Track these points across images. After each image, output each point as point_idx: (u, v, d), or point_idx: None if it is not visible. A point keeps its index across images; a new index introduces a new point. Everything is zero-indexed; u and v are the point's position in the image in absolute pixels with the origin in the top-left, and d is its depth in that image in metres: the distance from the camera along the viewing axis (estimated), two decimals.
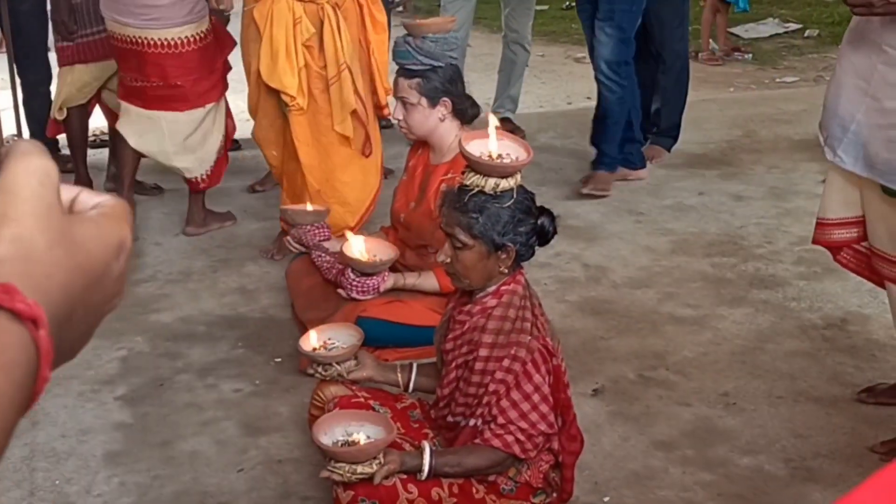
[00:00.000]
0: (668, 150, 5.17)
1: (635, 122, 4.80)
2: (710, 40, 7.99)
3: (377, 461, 2.08)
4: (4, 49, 5.30)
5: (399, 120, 3.19)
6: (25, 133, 5.20)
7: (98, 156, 5.12)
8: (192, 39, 3.94)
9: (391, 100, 3.47)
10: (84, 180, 4.62)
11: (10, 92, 5.14)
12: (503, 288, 2.22)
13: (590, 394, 3.00)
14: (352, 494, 2.09)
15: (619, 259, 3.98)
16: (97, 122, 4.97)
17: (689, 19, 5.34)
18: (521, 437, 2.14)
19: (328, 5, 3.64)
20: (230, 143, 4.41)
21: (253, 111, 3.96)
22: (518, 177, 2.16)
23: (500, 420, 2.14)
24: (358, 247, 3.15)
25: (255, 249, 4.12)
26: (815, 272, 3.78)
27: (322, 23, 3.64)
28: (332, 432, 2.18)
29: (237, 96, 4.44)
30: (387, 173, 4.30)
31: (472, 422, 2.20)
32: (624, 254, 4.03)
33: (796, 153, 5.21)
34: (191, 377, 3.17)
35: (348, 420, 2.21)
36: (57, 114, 4.51)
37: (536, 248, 2.26)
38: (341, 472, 2.08)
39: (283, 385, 3.10)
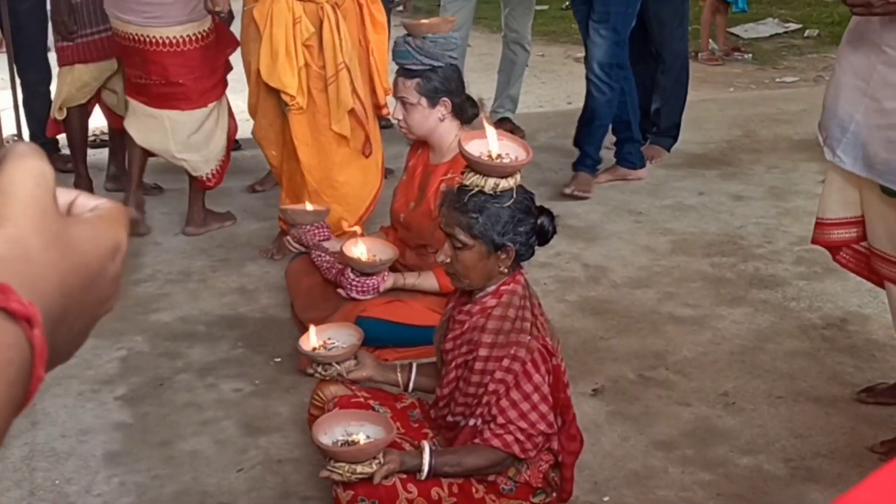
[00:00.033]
0: (668, 150, 5.17)
1: (634, 122, 4.80)
2: (710, 40, 8.00)
3: (377, 461, 2.09)
4: (4, 49, 5.30)
5: (399, 120, 3.19)
6: (25, 133, 5.21)
7: (98, 156, 5.12)
8: (194, 38, 3.95)
9: (391, 100, 3.47)
10: (84, 180, 4.63)
11: (10, 92, 5.14)
12: (503, 288, 2.22)
13: (589, 393, 3.00)
14: (351, 494, 2.09)
15: (618, 259, 3.99)
16: (97, 122, 4.96)
17: (688, 19, 5.34)
18: (521, 437, 2.14)
19: (328, 5, 3.64)
20: (232, 144, 4.42)
21: (253, 111, 3.96)
22: (518, 177, 2.16)
23: (500, 420, 2.14)
24: (357, 247, 3.15)
25: (255, 249, 4.12)
26: (815, 272, 3.78)
27: (321, 22, 3.64)
28: (331, 432, 2.18)
29: (237, 96, 4.44)
30: (386, 173, 4.30)
31: (471, 421, 2.20)
32: (624, 254, 4.04)
33: (796, 153, 5.22)
34: (190, 377, 3.17)
35: (348, 420, 2.21)
36: (57, 114, 4.51)
37: (536, 247, 2.26)
38: (341, 471, 2.08)
39: (282, 385, 3.10)
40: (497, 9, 6.04)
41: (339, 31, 3.63)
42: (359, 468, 2.07)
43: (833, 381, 3.05)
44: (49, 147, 5.17)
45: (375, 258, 3.15)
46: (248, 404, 3.00)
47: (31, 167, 0.53)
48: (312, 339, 2.47)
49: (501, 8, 5.60)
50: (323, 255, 3.35)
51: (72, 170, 4.69)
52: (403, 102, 3.13)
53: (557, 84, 7.40)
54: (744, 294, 3.65)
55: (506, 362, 2.14)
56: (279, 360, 3.25)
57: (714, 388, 3.02)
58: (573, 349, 3.20)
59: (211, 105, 4.08)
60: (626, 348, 3.27)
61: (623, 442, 2.76)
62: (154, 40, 3.91)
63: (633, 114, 4.79)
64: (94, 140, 5.24)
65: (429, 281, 3.16)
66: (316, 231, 3.38)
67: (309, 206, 3.46)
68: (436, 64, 3.09)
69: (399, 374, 2.47)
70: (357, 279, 3.11)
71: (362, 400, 2.36)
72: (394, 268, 3.21)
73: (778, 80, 7.45)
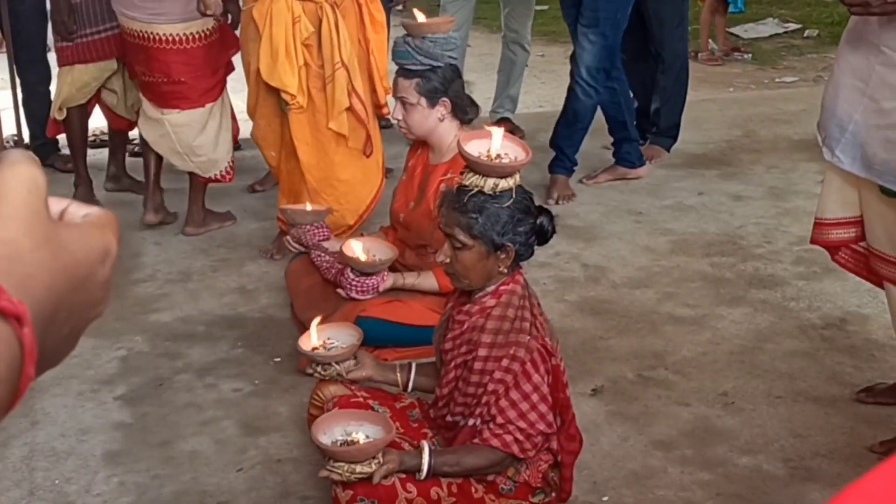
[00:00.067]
0: (668, 150, 5.18)
1: (629, 121, 4.80)
2: (710, 40, 8.00)
3: (376, 461, 2.09)
4: (4, 49, 5.30)
5: (398, 120, 3.19)
6: (25, 133, 5.21)
7: (98, 156, 5.12)
8: (197, 36, 3.96)
9: (391, 99, 3.47)
10: (84, 180, 4.63)
11: (10, 92, 5.14)
12: (502, 288, 2.22)
13: (589, 393, 3.00)
14: (351, 494, 2.09)
15: (618, 259, 3.99)
16: (97, 122, 4.97)
17: (688, 19, 5.34)
18: (520, 437, 2.14)
19: (327, 4, 3.64)
20: (234, 143, 4.43)
21: (251, 111, 3.96)
22: (517, 177, 2.17)
23: (499, 420, 2.14)
24: (357, 246, 3.15)
25: (255, 249, 4.12)
26: (815, 272, 3.78)
27: (321, 22, 3.64)
28: (331, 432, 2.18)
29: (237, 96, 4.44)
30: (386, 173, 4.31)
31: (470, 421, 2.20)
32: (623, 254, 4.04)
33: (795, 153, 5.22)
34: (190, 377, 3.17)
35: (347, 419, 2.21)
36: (57, 114, 4.52)
37: (536, 247, 2.26)
38: (340, 471, 2.08)
39: (282, 385, 3.10)
40: (497, 9, 6.04)
41: (339, 31, 3.64)
42: (358, 468, 2.07)
43: (832, 381, 3.05)
44: (49, 147, 5.19)
45: (375, 258, 3.15)
46: (247, 404, 3.00)
47: (24, 173, 0.55)
48: (312, 339, 2.47)
49: (501, 8, 5.60)
50: (322, 254, 3.35)
51: (72, 170, 4.70)
52: (403, 102, 3.13)
53: (557, 84, 7.39)
54: (743, 294, 3.65)
55: (505, 362, 2.14)
56: (279, 359, 3.25)
57: (713, 388, 3.02)
58: (572, 349, 3.21)
59: (209, 105, 4.08)
60: (626, 348, 3.27)
61: (622, 442, 2.76)
62: (157, 37, 3.92)
63: (628, 113, 4.79)
64: (94, 140, 5.24)
65: (428, 281, 3.16)
66: (315, 231, 3.39)
67: (308, 207, 3.46)
68: (435, 64, 3.09)
69: (398, 374, 2.48)
70: (357, 279, 3.11)
71: (362, 400, 2.36)
72: (393, 268, 3.21)
73: (777, 80, 7.45)
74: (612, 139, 4.91)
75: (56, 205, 0.60)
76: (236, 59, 4.13)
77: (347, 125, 3.74)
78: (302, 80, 3.67)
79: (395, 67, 3.18)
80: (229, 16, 4.22)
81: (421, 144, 3.28)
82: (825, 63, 7.56)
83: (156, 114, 4.09)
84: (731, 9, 7.99)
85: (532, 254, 2.26)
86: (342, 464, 2.08)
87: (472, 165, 2.15)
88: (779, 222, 4.31)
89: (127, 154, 4.92)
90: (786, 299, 3.60)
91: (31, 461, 2.73)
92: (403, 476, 2.13)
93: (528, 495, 2.25)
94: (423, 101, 3.09)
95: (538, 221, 2.21)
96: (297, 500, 2.54)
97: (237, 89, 4.42)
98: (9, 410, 0.51)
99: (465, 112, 3.15)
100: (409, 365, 2.52)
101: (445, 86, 3.09)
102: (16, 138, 5.21)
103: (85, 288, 0.57)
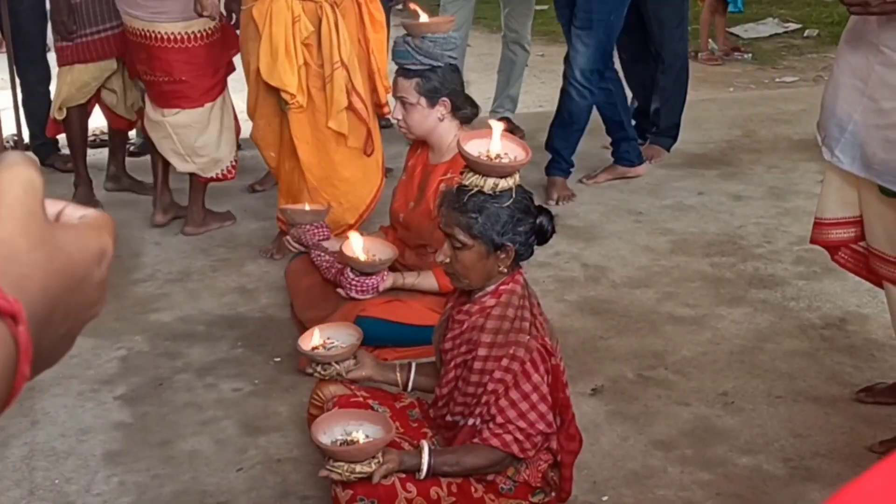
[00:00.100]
0: (668, 150, 5.18)
1: (626, 120, 4.81)
2: (710, 40, 8.00)
3: (376, 460, 2.09)
4: (4, 49, 5.30)
5: (398, 119, 3.19)
6: (25, 133, 5.21)
7: (98, 156, 5.12)
8: (199, 35, 3.96)
9: (391, 98, 3.47)
10: (84, 180, 4.63)
11: (10, 92, 5.14)
12: (502, 287, 2.22)
13: (589, 393, 3.00)
14: (350, 493, 2.09)
15: (618, 259, 3.99)
16: (97, 122, 4.97)
17: (688, 19, 5.34)
18: (520, 437, 2.14)
19: (326, 4, 3.64)
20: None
21: (251, 112, 3.96)
22: (517, 176, 2.17)
23: (499, 419, 2.14)
24: (357, 246, 3.15)
25: (255, 249, 4.13)
26: (815, 272, 3.78)
27: (320, 21, 3.65)
28: (331, 431, 2.18)
29: (237, 96, 4.44)
30: (386, 172, 4.31)
31: (470, 421, 2.21)
32: (623, 253, 4.04)
33: (796, 153, 5.22)
34: (190, 377, 3.17)
35: (347, 419, 2.22)
36: (56, 114, 4.52)
37: (535, 247, 2.26)
38: (340, 471, 2.08)
39: (282, 384, 3.10)
40: (497, 9, 6.04)
41: (338, 30, 3.64)
42: (358, 467, 2.07)
43: (832, 380, 3.05)
44: (49, 147, 5.19)
45: (375, 258, 3.15)
46: (247, 404, 3.00)
47: (21, 174, 0.55)
48: (312, 339, 2.48)
49: (501, 8, 5.60)
50: (322, 254, 3.35)
51: (72, 170, 4.70)
52: (403, 102, 3.13)
53: (557, 84, 7.32)
54: (743, 294, 3.65)
55: (505, 362, 2.14)
56: (279, 359, 3.25)
57: (713, 388, 3.02)
58: (572, 349, 3.21)
59: (209, 105, 4.09)
60: (626, 348, 3.27)
61: (622, 442, 2.76)
62: (159, 36, 3.93)
63: (624, 113, 4.79)
64: (94, 140, 5.25)
65: (428, 281, 3.16)
66: (315, 231, 3.39)
67: (308, 206, 3.46)
68: (435, 64, 3.09)
69: (398, 374, 2.48)
70: (356, 279, 3.11)
71: (361, 399, 2.36)
72: (393, 267, 3.21)
73: (777, 80, 7.45)
74: (610, 139, 4.91)
75: (52, 207, 0.61)
76: (237, 59, 4.13)
77: (347, 124, 3.74)
78: (302, 79, 3.68)
79: (395, 67, 3.19)
80: (233, 15, 4.22)
81: (421, 144, 3.28)
82: (825, 63, 7.56)
83: (157, 115, 4.10)
84: (730, 9, 7.99)
85: (532, 253, 2.26)
86: (342, 463, 2.08)
87: (472, 165, 2.15)
88: (779, 222, 4.31)
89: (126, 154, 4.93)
90: (786, 299, 3.60)
91: (31, 461, 2.73)
92: (403, 476, 2.13)
93: (527, 495, 2.25)
94: (423, 100, 3.09)
95: (538, 221, 2.21)
96: (297, 500, 2.54)
97: (237, 89, 4.42)
98: (4, 408, 0.51)
99: (464, 112, 3.15)
100: (409, 365, 2.52)
101: (445, 85, 3.09)
102: (16, 138, 5.21)
103: (81, 288, 0.58)
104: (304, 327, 2.88)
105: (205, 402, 3.02)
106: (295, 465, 2.69)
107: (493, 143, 2.16)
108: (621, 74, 5.36)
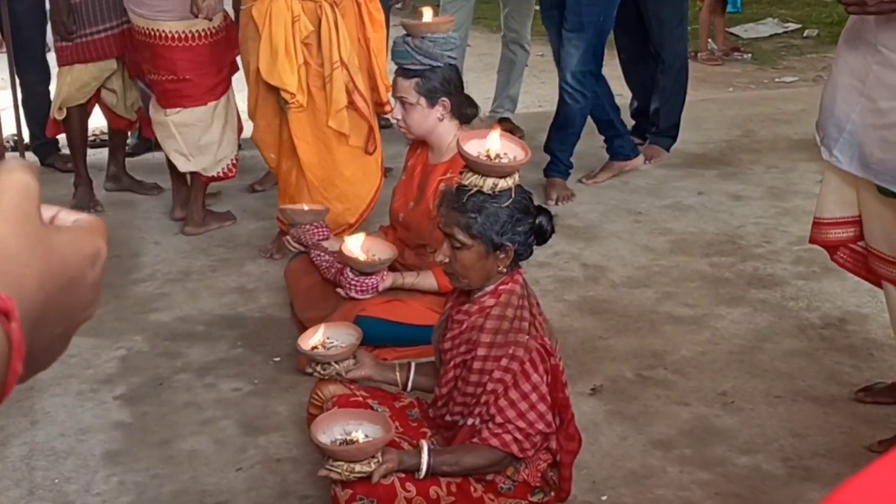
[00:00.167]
0: (667, 150, 5.18)
1: (615, 117, 4.82)
2: (710, 40, 8.00)
3: (375, 460, 2.09)
4: (4, 49, 5.30)
5: (398, 119, 3.19)
6: (25, 133, 5.21)
7: (98, 156, 5.12)
8: (203, 33, 3.97)
9: (392, 98, 3.47)
10: (84, 180, 4.63)
11: (9, 92, 5.14)
12: (501, 287, 2.22)
13: (588, 393, 3.00)
14: (350, 493, 2.09)
15: (617, 259, 3.99)
16: (97, 121, 4.97)
17: (688, 19, 5.34)
18: (519, 437, 2.14)
19: (326, 3, 3.64)
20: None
21: (251, 113, 3.97)
22: (516, 176, 2.17)
23: (498, 419, 2.14)
24: (356, 246, 3.15)
25: (255, 249, 4.13)
26: (814, 272, 3.78)
27: (320, 21, 3.65)
28: (330, 431, 2.18)
29: (238, 96, 4.44)
30: (386, 172, 4.31)
31: (470, 421, 2.21)
32: (622, 253, 4.04)
33: (795, 153, 5.22)
34: (190, 376, 3.17)
35: (347, 419, 2.22)
36: (56, 114, 4.52)
37: (535, 247, 2.26)
38: (339, 470, 2.08)
39: (281, 384, 3.10)
40: (496, 9, 6.04)
41: (338, 30, 3.64)
42: (357, 467, 2.08)
43: (831, 380, 3.06)
44: (49, 147, 5.19)
45: (374, 257, 3.15)
46: (247, 404, 3.01)
47: (18, 179, 0.57)
48: (312, 339, 2.48)
49: (501, 8, 5.60)
50: (322, 254, 3.35)
51: (72, 170, 4.70)
52: (402, 102, 3.13)
53: (556, 84, 7.39)
54: (742, 294, 3.65)
55: (504, 362, 2.14)
56: (278, 359, 3.25)
57: (712, 388, 3.02)
58: (572, 349, 3.21)
59: (212, 104, 4.09)
60: (625, 348, 3.27)
61: (621, 441, 2.76)
62: (163, 34, 3.93)
63: (612, 110, 4.81)
64: (94, 140, 5.25)
65: (428, 280, 3.16)
66: (315, 230, 3.39)
67: (307, 206, 3.46)
68: (435, 64, 3.09)
69: (398, 374, 2.48)
70: (356, 278, 3.11)
71: (361, 399, 2.36)
72: (393, 267, 3.21)
73: (777, 80, 7.45)
74: (603, 138, 4.92)
75: (46, 212, 0.62)
76: (239, 59, 4.14)
77: (348, 123, 3.74)
78: (301, 78, 3.68)
79: (395, 67, 3.19)
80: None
81: (420, 144, 3.28)
82: (825, 63, 7.56)
83: (160, 116, 4.11)
84: (728, 9, 7.99)
85: (531, 253, 2.26)
86: (341, 463, 2.09)
87: (472, 165, 2.15)
88: (778, 222, 4.31)
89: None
90: (785, 299, 3.60)
91: (30, 460, 2.73)
92: (402, 475, 2.13)
93: (527, 494, 2.25)
94: (423, 100, 3.09)
95: (537, 221, 2.21)
96: (297, 500, 2.55)
97: (238, 89, 4.43)
98: None
99: (464, 112, 3.15)
100: (409, 364, 2.52)
101: (445, 86, 3.09)
102: (16, 138, 5.21)
103: (75, 289, 0.59)
104: (303, 327, 2.88)
105: (204, 402, 3.02)
106: (294, 464, 2.69)
107: (493, 144, 2.16)
108: (620, 74, 5.38)
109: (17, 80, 5.03)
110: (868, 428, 2.79)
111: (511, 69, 5.56)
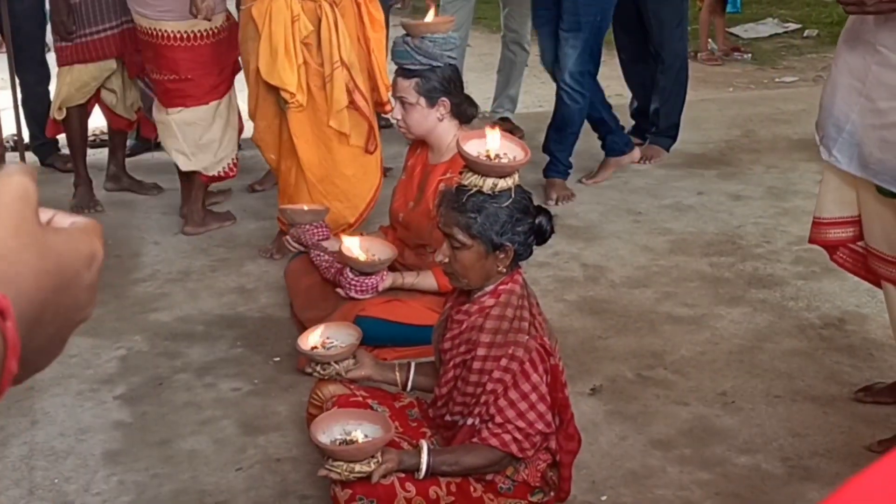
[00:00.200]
0: (667, 150, 5.18)
1: (606, 115, 4.83)
2: (710, 40, 8.00)
3: (375, 460, 2.09)
4: (4, 49, 5.30)
5: (398, 119, 3.19)
6: (25, 133, 5.21)
7: (98, 156, 5.12)
8: (205, 34, 3.97)
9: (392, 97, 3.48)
10: (84, 180, 4.63)
11: (9, 92, 5.14)
12: (501, 287, 2.22)
13: (588, 393, 3.00)
14: (350, 493, 2.09)
15: (617, 259, 3.99)
16: (97, 121, 4.97)
17: (688, 19, 5.34)
18: (519, 437, 2.14)
19: (326, 3, 3.65)
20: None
21: (252, 113, 3.97)
22: (516, 176, 2.17)
23: (498, 419, 2.14)
24: (356, 246, 3.16)
25: (255, 249, 4.13)
26: (814, 272, 3.78)
27: (320, 20, 3.65)
28: (330, 431, 2.18)
29: (239, 95, 4.44)
30: (385, 172, 4.31)
31: (469, 421, 2.21)
32: (622, 253, 4.04)
33: (795, 153, 5.22)
34: (189, 376, 3.18)
35: (346, 419, 2.22)
36: (56, 114, 4.52)
37: (535, 247, 2.26)
38: (339, 470, 2.08)
39: (281, 384, 3.10)
40: (496, 9, 6.04)
41: (338, 30, 3.64)
42: (357, 467, 2.08)
43: (831, 380, 3.06)
44: (49, 147, 5.19)
45: (374, 257, 3.16)
46: (246, 403, 3.01)
47: (16, 182, 0.58)
48: (311, 339, 2.48)
49: (501, 8, 5.60)
50: (322, 254, 3.35)
51: (72, 170, 4.70)
52: (402, 102, 3.13)
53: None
54: (742, 294, 3.65)
55: (504, 362, 2.14)
56: (278, 359, 3.25)
57: (712, 388, 3.02)
58: (571, 349, 3.21)
59: (214, 103, 4.10)
60: (625, 348, 3.27)
61: (621, 441, 2.76)
62: (165, 34, 3.94)
63: (603, 108, 4.82)
64: (94, 140, 5.25)
65: (427, 280, 3.16)
66: (315, 230, 3.39)
67: (307, 206, 3.46)
68: (434, 64, 3.09)
69: (397, 374, 2.48)
70: (356, 278, 3.11)
71: (361, 399, 2.36)
72: (392, 267, 3.21)
73: (777, 80, 7.45)
74: (598, 136, 4.93)
75: (42, 215, 0.63)
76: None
77: (348, 123, 3.74)
78: (301, 78, 3.68)
79: (395, 67, 3.19)
80: None
81: (420, 144, 3.29)
82: (825, 63, 7.56)
83: (161, 116, 4.11)
84: (728, 9, 8.00)
85: (531, 253, 2.26)
86: (341, 463, 2.09)
87: (471, 165, 2.15)
88: (778, 222, 4.32)
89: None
90: (785, 299, 3.60)
91: (30, 460, 2.73)
92: (402, 475, 2.14)
93: (526, 494, 2.26)
94: (423, 100, 3.09)
95: (537, 221, 2.21)
96: (296, 499, 2.55)
97: (239, 89, 4.43)
98: None
99: (464, 112, 3.15)
100: (409, 364, 2.52)
101: (445, 86, 3.09)
102: (16, 138, 5.21)
103: (71, 290, 0.59)
104: (303, 327, 2.88)
105: (204, 402, 3.02)
106: (294, 464, 2.69)
107: (492, 144, 2.16)
108: (620, 74, 5.38)
109: (17, 80, 5.03)
110: (868, 428, 2.79)
111: (511, 69, 5.57)
